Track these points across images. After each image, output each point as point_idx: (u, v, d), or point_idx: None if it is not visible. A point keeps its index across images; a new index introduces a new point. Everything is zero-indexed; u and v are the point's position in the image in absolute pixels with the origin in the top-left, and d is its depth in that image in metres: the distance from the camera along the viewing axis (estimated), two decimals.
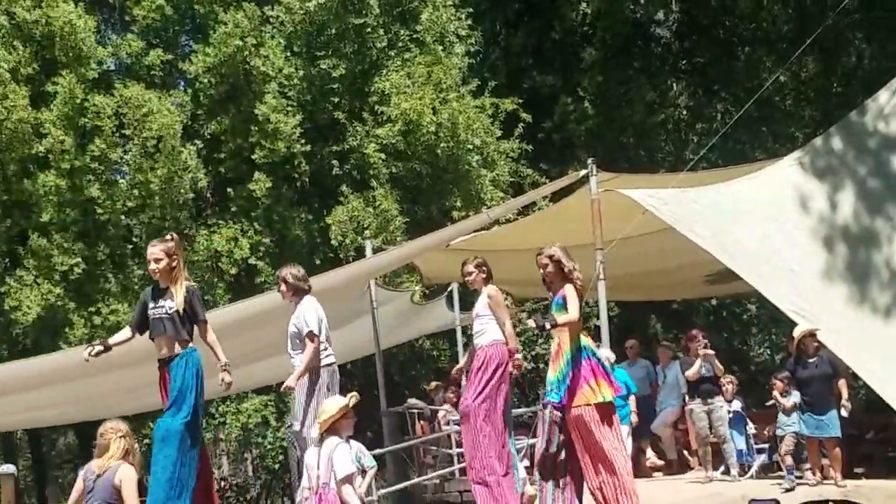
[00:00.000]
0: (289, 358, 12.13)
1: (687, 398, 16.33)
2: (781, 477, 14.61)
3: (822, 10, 27.31)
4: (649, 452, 17.53)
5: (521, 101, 27.21)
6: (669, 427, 17.72)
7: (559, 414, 11.06)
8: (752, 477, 15.80)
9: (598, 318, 17.19)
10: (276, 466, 29.19)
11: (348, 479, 10.34)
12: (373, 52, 25.61)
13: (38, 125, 22.97)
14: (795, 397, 14.72)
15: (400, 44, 25.98)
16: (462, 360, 13.93)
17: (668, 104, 32.48)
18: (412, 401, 21.26)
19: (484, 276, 12.79)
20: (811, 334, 14.28)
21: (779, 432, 14.99)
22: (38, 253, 22.56)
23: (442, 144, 24.49)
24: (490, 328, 12.41)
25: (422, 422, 20.13)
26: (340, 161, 25.29)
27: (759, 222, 14.93)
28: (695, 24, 32.46)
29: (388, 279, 22.79)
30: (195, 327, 10.52)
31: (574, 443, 11.03)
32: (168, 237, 10.68)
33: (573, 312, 10.86)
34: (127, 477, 10.27)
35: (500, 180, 25.86)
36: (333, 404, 10.73)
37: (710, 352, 15.82)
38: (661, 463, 17.54)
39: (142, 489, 10.45)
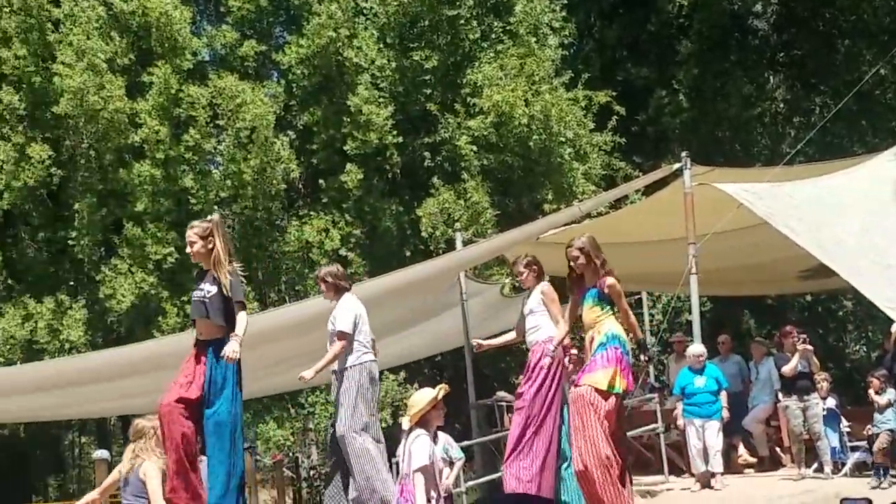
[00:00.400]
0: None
1: (780, 394, 16.10)
2: (876, 475, 14.38)
3: None
4: (741, 449, 17.30)
5: (614, 93, 27.00)
6: (761, 423, 17.48)
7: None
8: (845, 475, 15.54)
9: (690, 313, 17.03)
10: None
11: (420, 471, 10.28)
12: (466, 43, 25.53)
13: (134, 115, 23.22)
14: (891, 395, 14.48)
15: (493, 35, 25.86)
16: (494, 340, 13.73)
17: (765, 97, 32.11)
18: (501, 393, 21.20)
19: (535, 274, 12.72)
20: None
21: (874, 430, 14.76)
22: (132, 242, 22.81)
23: (534, 137, 24.36)
24: (544, 324, 12.32)
25: (510, 414, 20.03)
26: (432, 153, 25.25)
27: (857, 217, 14.63)
28: (793, 16, 32.06)
29: (478, 271, 22.70)
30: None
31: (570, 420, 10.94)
32: (207, 218, 10.48)
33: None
34: (149, 474, 10.56)
35: (592, 173, 25.69)
36: (423, 396, 10.68)
37: (809, 347, 15.60)
38: (752, 460, 17.30)
39: None
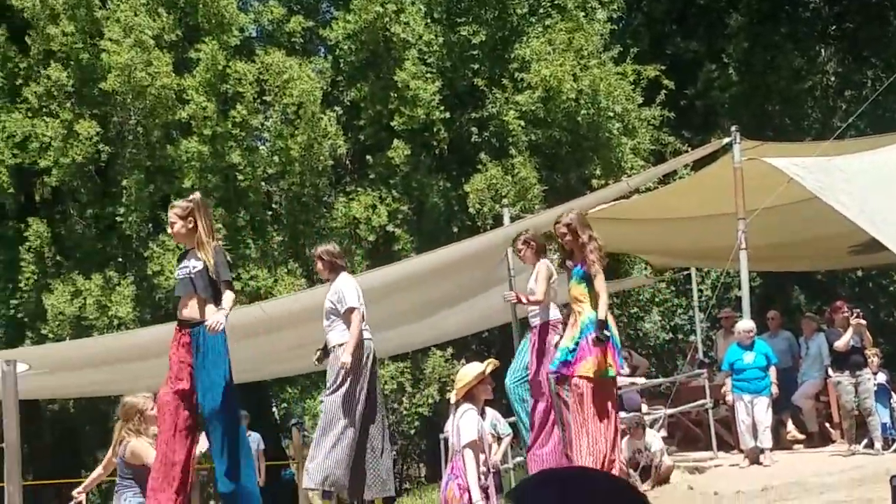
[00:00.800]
0: (327, 332, 12.05)
1: (831, 370, 15.99)
2: None
3: None
4: (790, 425, 17.22)
5: (663, 67, 26.79)
6: (811, 399, 17.40)
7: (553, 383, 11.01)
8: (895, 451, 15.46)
9: (739, 289, 16.92)
10: (412, 432, 29.30)
11: (470, 446, 10.24)
12: (513, 18, 25.43)
13: (181, 92, 23.27)
14: None
15: (541, 10, 25.76)
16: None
17: (816, 71, 31.85)
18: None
19: (533, 251, 12.74)
20: None
21: None
22: None
23: (582, 112, 24.25)
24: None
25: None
26: (479, 128, 25.18)
27: None
28: None
29: None
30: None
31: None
32: (189, 198, 10.33)
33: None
34: (135, 451, 10.48)
35: (640, 148, 25.55)
36: (471, 370, 10.65)
37: (862, 321, 15.48)
38: (802, 436, 17.22)
39: None
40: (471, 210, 23.73)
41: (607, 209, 18.52)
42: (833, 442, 17.00)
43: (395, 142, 23.98)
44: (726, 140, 16.10)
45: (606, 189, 20.17)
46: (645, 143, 25.80)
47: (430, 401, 23.99)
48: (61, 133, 23.02)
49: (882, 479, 12.35)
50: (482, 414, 10.84)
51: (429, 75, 24.41)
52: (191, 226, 9.94)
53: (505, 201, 21.42)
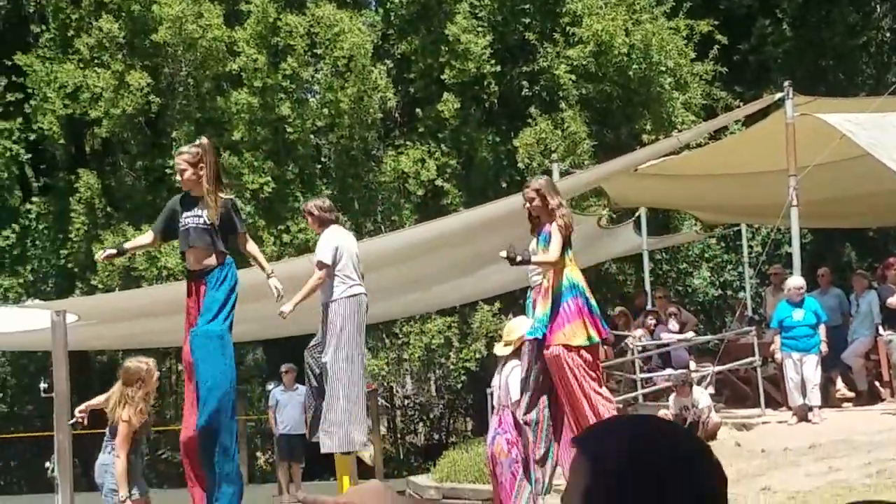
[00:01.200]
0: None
1: (882, 328, 15.87)
2: None
3: None
4: (839, 383, 17.11)
5: (716, 22, 26.55)
6: (861, 357, 17.26)
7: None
8: None
9: (790, 245, 16.82)
10: (459, 386, 29.37)
11: (519, 403, 10.24)
12: None
13: (232, 44, 23.32)
14: None
15: None
16: None
17: (871, 26, 31.46)
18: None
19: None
20: None
21: None
22: (229, 171, 22.90)
23: (634, 66, 24.09)
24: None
25: (606, 347, 19.95)
26: (530, 82, 25.07)
27: None
28: None
29: (574, 203, 22.56)
30: (230, 239, 9.84)
31: (555, 384, 10.52)
32: (196, 143, 9.89)
33: (553, 253, 10.35)
34: (120, 427, 10.37)
35: (692, 103, 25.35)
36: (521, 323, 10.61)
37: None
38: (851, 394, 17.11)
39: None
40: (520, 165, 23.67)
41: (657, 164, 18.44)
42: (882, 400, 16.90)
43: (445, 95, 23.94)
44: (779, 95, 15.98)
45: (657, 144, 20.07)
46: (696, 99, 25.60)
47: (478, 355, 24.01)
48: (112, 84, 23.12)
49: None
50: None
51: (480, 29, 24.30)
52: (202, 172, 9.54)
53: (554, 156, 21.35)
